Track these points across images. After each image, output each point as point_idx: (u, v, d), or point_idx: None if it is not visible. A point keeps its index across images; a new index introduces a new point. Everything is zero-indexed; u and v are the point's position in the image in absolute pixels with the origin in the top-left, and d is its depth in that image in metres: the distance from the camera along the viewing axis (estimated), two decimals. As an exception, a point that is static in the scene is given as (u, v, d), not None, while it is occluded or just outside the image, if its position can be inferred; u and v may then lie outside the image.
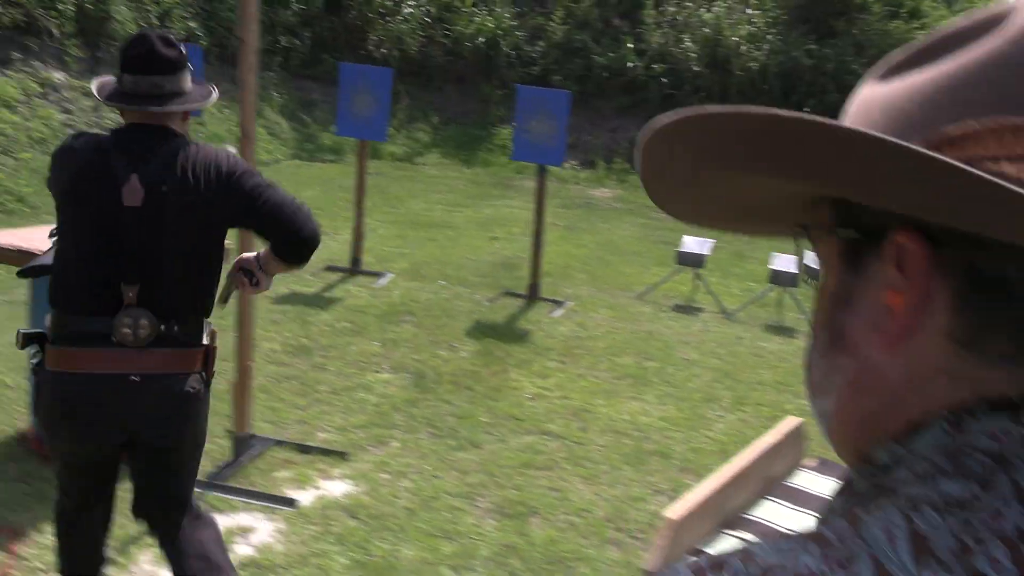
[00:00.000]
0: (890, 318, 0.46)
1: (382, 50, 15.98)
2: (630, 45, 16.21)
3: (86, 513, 2.40)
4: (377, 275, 7.20)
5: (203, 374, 2.27)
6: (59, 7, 9.54)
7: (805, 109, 16.97)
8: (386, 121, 6.85)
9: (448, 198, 12.08)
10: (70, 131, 9.33)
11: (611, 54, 16.23)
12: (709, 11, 16.39)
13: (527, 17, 16.99)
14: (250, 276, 2.33)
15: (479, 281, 7.50)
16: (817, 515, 0.50)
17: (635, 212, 13.12)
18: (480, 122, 16.30)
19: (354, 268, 7.24)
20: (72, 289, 2.14)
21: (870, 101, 0.50)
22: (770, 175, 0.47)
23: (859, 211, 0.47)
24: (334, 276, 7.11)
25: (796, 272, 7.23)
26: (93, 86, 2.37)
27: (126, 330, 2.10)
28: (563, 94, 6.55)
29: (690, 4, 16.64)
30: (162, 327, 2.14)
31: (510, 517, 3.66)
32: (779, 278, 7.17)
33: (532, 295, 7.00)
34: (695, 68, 15.77)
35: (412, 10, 16.42)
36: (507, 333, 6.10)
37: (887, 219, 0.46)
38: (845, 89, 16.42)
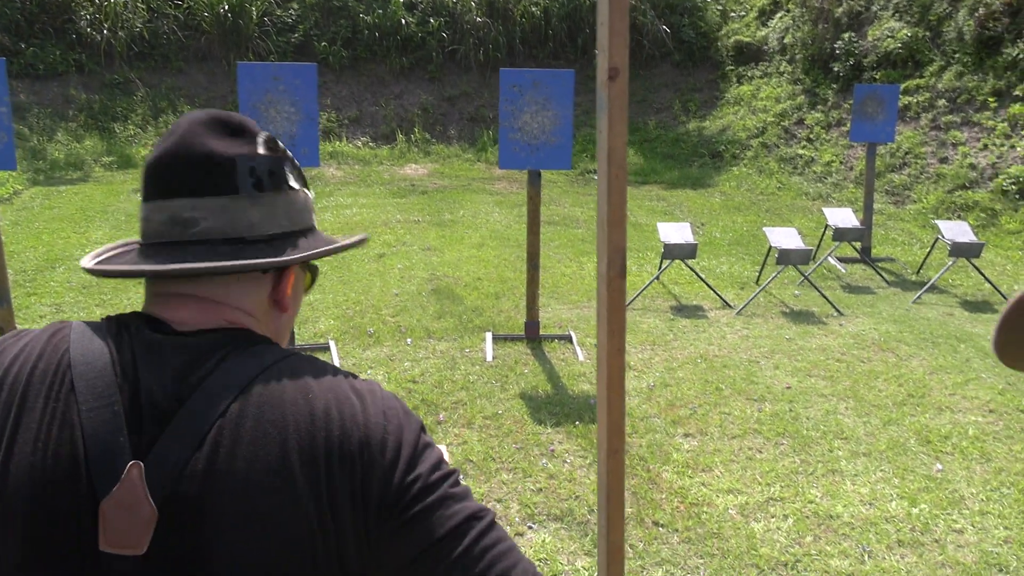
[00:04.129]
0: None
1: (104, 31, 12.74)
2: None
3: None
4: (323, 348, 5.22)
5: None
6: None
7: (596, 51, 16.07)
8: (315, 137, 4.79)
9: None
10: None
11: (379, 12, 14.33)
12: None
13: (271, -24, 14.48)
14: None
15: (442, 327, 5.75)
16: None
17: (474, 189, 11.64)
18: (236, 105, 13.74)
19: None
20: None
21: None
22: None
23: None
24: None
25: (805, 248, 6.32)
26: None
27: None
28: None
29: (453, -52, 15.12)
30: None
31: None
32: (788, 256, 6.21)
33: (533, 335, 5.45)
34: (477, 19, 14.38)
35: (127, -22, 13.28)
36: (578, 407, 4.53)
37: None
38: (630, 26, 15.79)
